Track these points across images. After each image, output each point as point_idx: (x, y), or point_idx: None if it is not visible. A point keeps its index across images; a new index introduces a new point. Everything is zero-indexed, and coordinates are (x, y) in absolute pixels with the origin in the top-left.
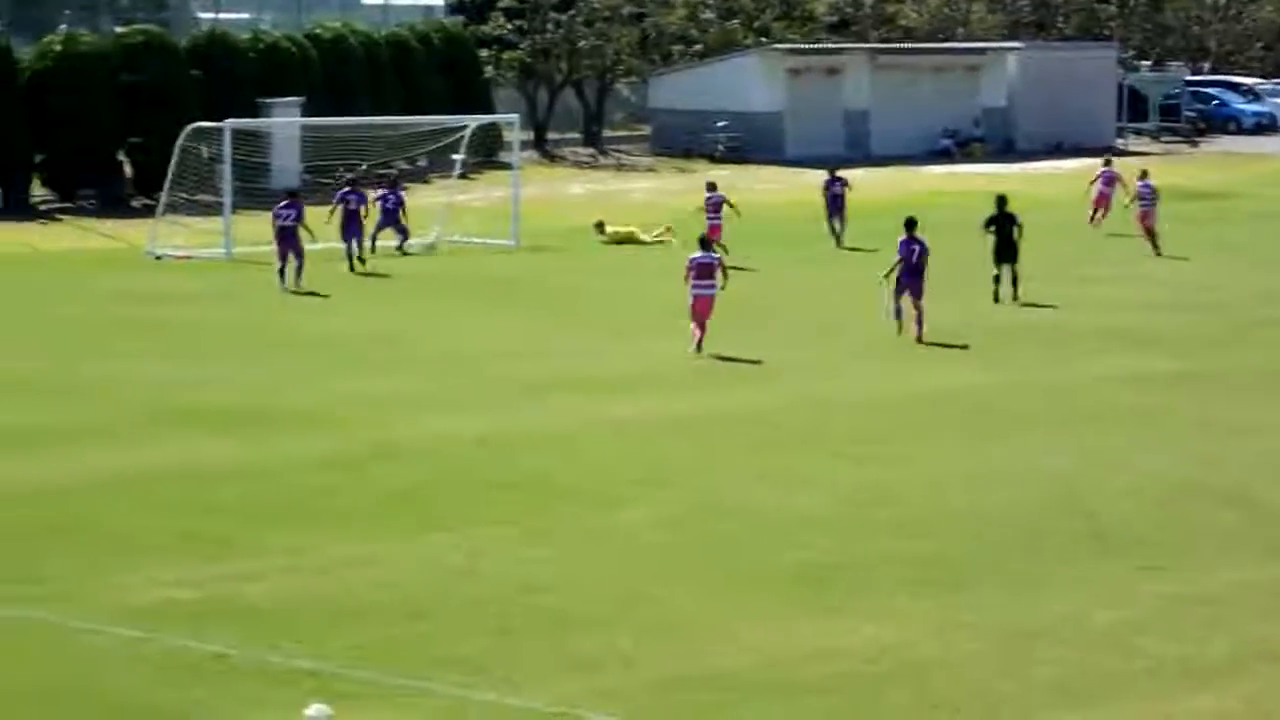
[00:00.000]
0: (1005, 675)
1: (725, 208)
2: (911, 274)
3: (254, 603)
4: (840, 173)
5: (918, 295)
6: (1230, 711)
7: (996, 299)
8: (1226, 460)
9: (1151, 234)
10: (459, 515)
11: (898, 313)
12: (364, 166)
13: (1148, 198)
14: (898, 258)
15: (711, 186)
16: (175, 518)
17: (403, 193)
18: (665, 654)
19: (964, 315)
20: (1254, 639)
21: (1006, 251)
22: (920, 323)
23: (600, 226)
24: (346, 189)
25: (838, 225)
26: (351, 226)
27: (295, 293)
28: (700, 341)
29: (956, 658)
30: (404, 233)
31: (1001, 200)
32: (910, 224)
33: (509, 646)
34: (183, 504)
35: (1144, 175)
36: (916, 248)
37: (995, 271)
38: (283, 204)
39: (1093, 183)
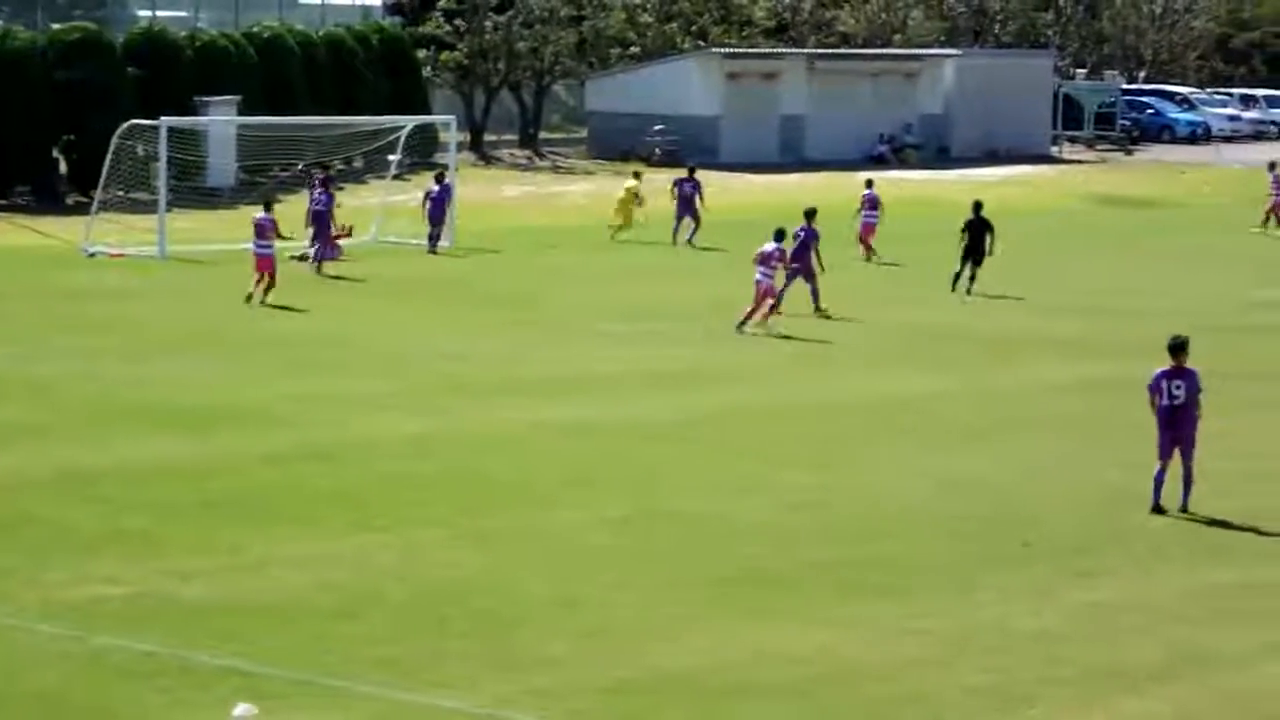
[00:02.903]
0: (938, 680)
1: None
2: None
3: (186, 601)
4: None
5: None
6: (1158, 715)
7: (953, 289)
8: None
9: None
10: (394, 516)
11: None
12: (300, 166)
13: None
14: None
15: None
16: (110, 515)
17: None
18: (600, 656)
19: (909, 322)
20: (1185, 644)
21: (974, 253)
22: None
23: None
24: (319, 188)
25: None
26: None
27: (329, 276)
28: (748, 319)
29: (890, 662)
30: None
31: (978, 205)
32: (810, 214)
33: (441, 648)
34: (119, 501)
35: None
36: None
37: (958, 269)
38: (319, 190)
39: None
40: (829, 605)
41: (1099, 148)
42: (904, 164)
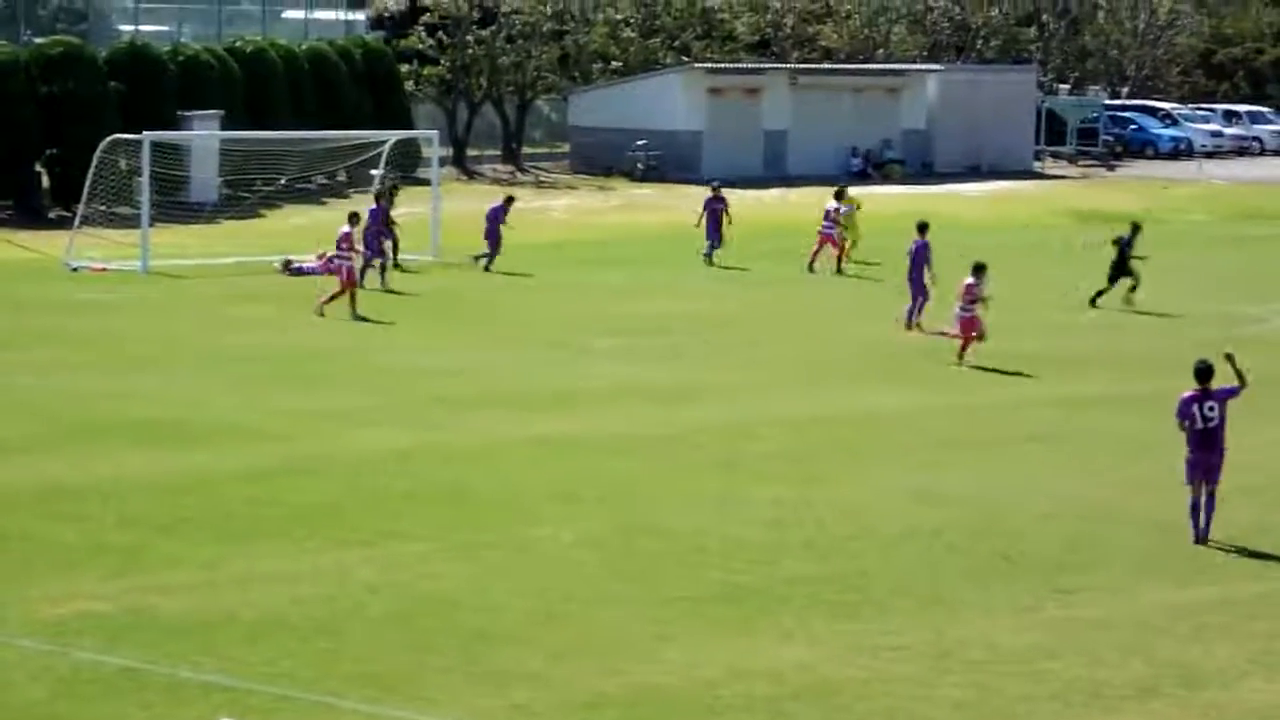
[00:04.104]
0: (917, 696)
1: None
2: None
3: (167, 616)
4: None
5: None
6: None
7: (1093, 304)
8: (1146, 484)
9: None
10: (376, 530)
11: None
12: (282, 181)
13: None
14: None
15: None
16: (93, 531)
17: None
18: (580, 672)
19: (892, 338)
20: (1168, 663)
21: (1120, 268)
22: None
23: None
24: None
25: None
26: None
27: (388, 291)
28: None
29: (869, 679)
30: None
31: (1135, 226)
32: (922, 227)
33: (422, 663)
34: (101, 517)
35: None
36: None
37: (1105, 287)
38: (372, 207)
39: None
40: (807, 621)
41: (1082, 163)
42: (887, 179)
